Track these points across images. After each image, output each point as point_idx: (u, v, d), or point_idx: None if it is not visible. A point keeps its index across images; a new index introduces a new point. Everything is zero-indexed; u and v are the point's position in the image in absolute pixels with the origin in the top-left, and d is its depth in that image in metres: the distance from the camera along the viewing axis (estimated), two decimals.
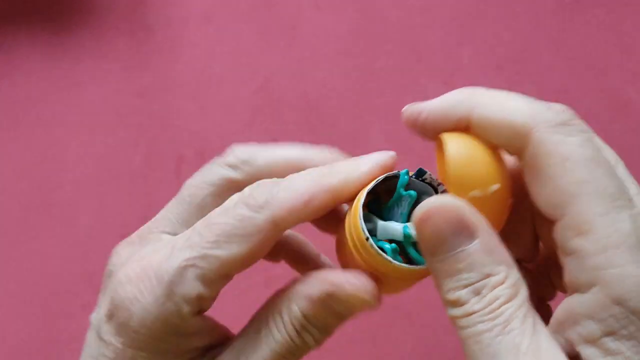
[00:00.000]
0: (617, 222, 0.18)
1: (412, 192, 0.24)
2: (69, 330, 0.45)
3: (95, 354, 0.23)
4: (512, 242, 0.21)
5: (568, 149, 0.19)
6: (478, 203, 0.20)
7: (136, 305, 0.22)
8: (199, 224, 0.22)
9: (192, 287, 0.21)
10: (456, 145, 0.22)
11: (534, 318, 0.19)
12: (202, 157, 0.48)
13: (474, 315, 0.19)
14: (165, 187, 0.46)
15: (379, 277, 0.23)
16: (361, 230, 0.22)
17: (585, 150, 0.19)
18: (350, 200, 0.24)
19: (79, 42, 0.52)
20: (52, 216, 0.48)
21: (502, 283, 0.19)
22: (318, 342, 0.24)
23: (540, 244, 0.24)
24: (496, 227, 0.21)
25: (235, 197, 0.23)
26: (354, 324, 0.45)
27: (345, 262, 0.25)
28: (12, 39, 0.52)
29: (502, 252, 0.19)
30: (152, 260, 0.22)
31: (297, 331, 0.23)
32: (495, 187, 0.20)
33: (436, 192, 0.24)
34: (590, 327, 0.18)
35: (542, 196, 0.19)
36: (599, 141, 0.20)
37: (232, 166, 0.25)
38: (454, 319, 0.20)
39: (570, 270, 0.19)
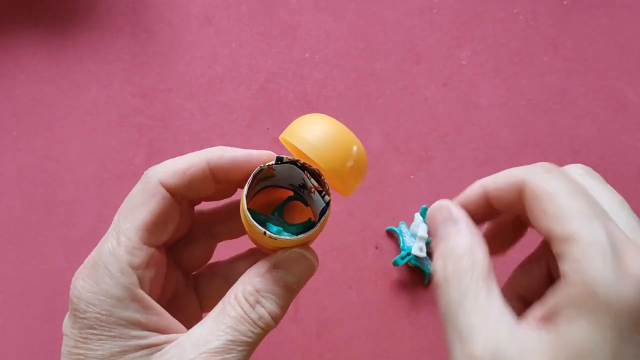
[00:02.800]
0: (595, 233, 0.22)
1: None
2: None
3: (64, 353, 0.26)
4: (528, 277, 0.27)
5: (551, 186, 0.24)
6: (355, 167, 0.27)
7: (82, 292, 0.25)
8: (116, 214, 0.27)
9: (119, 259, 0.26)
10: (300, 141, 0.27)
11: (488, 286, 0.23)
12: None
13: (441, 285, 0.25)
14: None
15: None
16: (248, 218, 0.27)
17: (564, 185, 0.24)
18: (232, 180, 0.28)
19: (81, 43, 0.52)
20: (54, 216, 0.48)
21: (462, 255, 0.25)
22: (272, 316, 0.26)
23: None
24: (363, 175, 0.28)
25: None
26: (353, 323, 0.45)
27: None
28: (14, 40, 0.52)
29: (474, 234, 0.25)
30: (90, 257, 0.27)
31: (250, 305, 0.26)
32: (355, 148, 0.27)
33: (308, 172, 0.28)
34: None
35: (540, 224, 0.24)
36: (580, 179, 0.27)
37: None
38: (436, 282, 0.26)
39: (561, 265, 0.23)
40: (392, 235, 0.46)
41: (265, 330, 0.26)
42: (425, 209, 0.42)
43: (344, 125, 0.28)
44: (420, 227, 0.44)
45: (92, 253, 0.27)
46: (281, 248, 0.27)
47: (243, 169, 0.28)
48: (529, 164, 0.46)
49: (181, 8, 0.52)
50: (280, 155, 0.27)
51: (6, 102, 0.51)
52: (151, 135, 0.49)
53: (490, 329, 0.22)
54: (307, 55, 0.51)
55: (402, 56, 0.50)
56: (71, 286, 0.26)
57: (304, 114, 0.49)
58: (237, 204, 0.31)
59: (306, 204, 0.30)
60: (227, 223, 0.32)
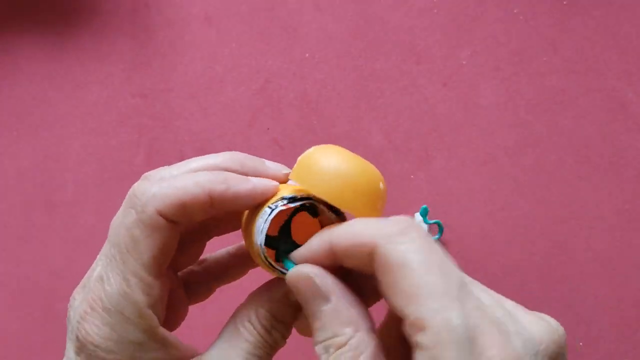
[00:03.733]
0: (447, 318, 0.20)
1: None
2: None
3: None
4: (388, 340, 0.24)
5: (403, 257, 0.21)
6: (383, 203, 0.25)
7: (97, 338, 0.24)
8: (110, 244, 0.25)
9: (134, 302, 0.24)
10: (326, 193, 0.24)
11: None
12: None
13: None
14: None
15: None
16: (268, 265, 0.25)
17: (418, 256, 0.21)
18: (235, 211, 0.27)
19: (81, 44, 0.52)
20: (54, 216, 0.48)
21: (344, 344, 0.22)
22: (284, 338, 0.26)
23: None
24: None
25: (127, 197, 0.25)
26: None
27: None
28: (15, 41, 0.52)
29: (352, 315, 0.23)
30: (94, 296, 0.25)
31: (266, 330, 0.25)
32: (382, 185, 0.24)
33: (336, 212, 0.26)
34: None
35: (391, 301, 0.21)
36: (434, 244, 0.22)
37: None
38: None
39: None
40: None
41: (276, 350, 0.26)
42: (426, 209, 0.42)
43: (362, 160, 0.25)
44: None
45: (97, 291, 0.25)
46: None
47: (245, 204, 0.26)
48: (529, 164, 0.47)
49: (181, 8, 0.52)
50: (293, 195, 0.25)
51: (6, 102, 0.51)
52: (151, 136, 0.49)
53: None
54: (307, 55, 0.51)
55: (402, 56, 0.50)
56: (80, 327, 0.25)
57: (304, 114, 0.50)
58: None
59: (314, 214, 0.28)
60: (221, 222, 0.32)
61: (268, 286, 0.27)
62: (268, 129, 0.49)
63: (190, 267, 0.32)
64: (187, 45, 0.51)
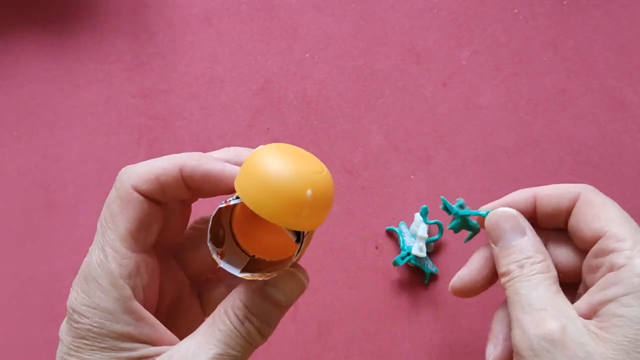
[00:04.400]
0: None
1: None
2: None
3: (59, 357, 0.26)
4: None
5: (605, 199, 0.30)
6: (313, 210, 0.25)
7: (76, 304, 0.26)
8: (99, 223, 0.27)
9: (108, 272, 0.26)
10: (246, 197, 0.25)
11: (557, 287, 0.29)
12: None
13: (516, 279, 0.29)
14: None
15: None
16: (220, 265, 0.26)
17: (613, 203, 0.30)
18: (206, 191, 0.27)
19: (81, 44, 0.52)
20: (55, 216, 0.48)
21: (539, 262, 0.29)
22: (261, 334, 0.27)
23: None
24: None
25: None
26: (353, 323, 0.45)
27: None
28: (14, 41, 0.52)
29: (541, 247, 0.30)
30: (82, 267, 0.27)
31: (239, 320, 0.26)
32: (309, 192, 0.24)
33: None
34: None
35: (593, 225, 0.29)
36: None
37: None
38: (504, 284, 0.30)
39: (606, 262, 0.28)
40: (392, 235, 0.46)
41: (253, 346, 0.27)
42: (426, 209, 0.42)
43: (300, 160, 0.25)
44: (420, 227, 0.44)
45: (83, 263, 0.27)
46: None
47: (216, 183, 0.27)
48: (529, 164, 0.47)
49: (181, 8, 0.52)
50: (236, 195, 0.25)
51: (6, 102, 0.51)
52: (151, 136, 0.49)
53: (561, 310, 0.27)
54: (307, 55, 0.51)
55: (402, 56, 0.50)
56: (69, 295, 0.27)
57: (304, 114, 0.50)
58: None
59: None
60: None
61: (246, 281, 0.28)
62: (268, 129, 0.49)
63: (205, 276, 0.33)
64: (187, 45, 0.51)
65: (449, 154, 0.48)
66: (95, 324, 0.25)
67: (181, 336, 0.28)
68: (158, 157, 0.28)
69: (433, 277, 0.45)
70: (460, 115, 0.49)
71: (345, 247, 0.46)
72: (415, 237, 0.45)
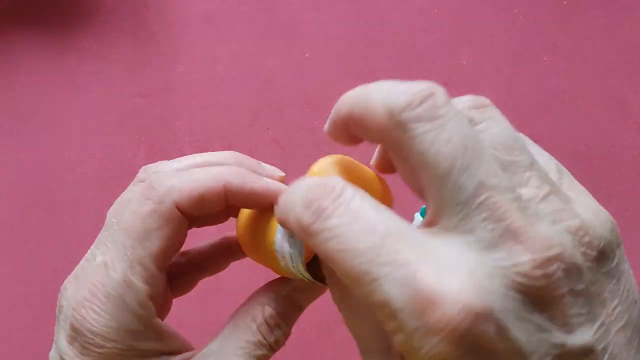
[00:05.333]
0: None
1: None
2: None
3: None
4: None
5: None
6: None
7: (96, 325, 0.24)
8: (118, 231, 0.25)
9: (137, 291, 0.24)
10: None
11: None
12: None
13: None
14: None
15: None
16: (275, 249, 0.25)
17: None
18: (241, 206, 0.26)
19: (81, 44, 0.52)
20: (54, 216, 0.48)
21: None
22: (286, 336, 0.26)
23: None
24: None
25: (137, 188, 0.26)
26: None
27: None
28: (14, 41, 0.52)
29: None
30: (95, 282, 0.24)
31: (270, 329, 0.25)
32: None
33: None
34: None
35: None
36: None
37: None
38: None
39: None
40: None
41: (273, 353, 0.26)
42: (425, 209, 0.42)
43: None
44: None
45: (95, 278, 0.25)
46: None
47: (256, 202, 0.26)
48: None
49: (182, 8, 0.52)
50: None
51: (6, 102, 0.51)
52: (151, 136, 0.49)
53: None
54: (307, 55, 0.51)
55: (402, 56, 0.50)
56: (75, 314, 0.24)
57: (304, 114, 0.50)
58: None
59: None
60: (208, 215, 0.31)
61: (272, 286, 0.27)
62: (268, 129, 0.49)
63: (173, 259, 0.32)
64: (187, 45, 0.51)
65: None
66: (125, 347, 0.24)
67: None
68: (158, 156, 0.27)
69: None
70: None
71: None
72: None
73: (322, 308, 0.45)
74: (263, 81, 0.50)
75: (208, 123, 0.50)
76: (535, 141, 0.45)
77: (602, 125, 0.48)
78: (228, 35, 0.51)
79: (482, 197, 0.18)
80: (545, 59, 0.49)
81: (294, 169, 0.48)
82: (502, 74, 0.49)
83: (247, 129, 0.49)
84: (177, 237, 0.25)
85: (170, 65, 0.51)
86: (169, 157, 0.28)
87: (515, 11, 0.51)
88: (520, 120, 0.48)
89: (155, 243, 0.24)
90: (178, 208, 0.24)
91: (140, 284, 0.24)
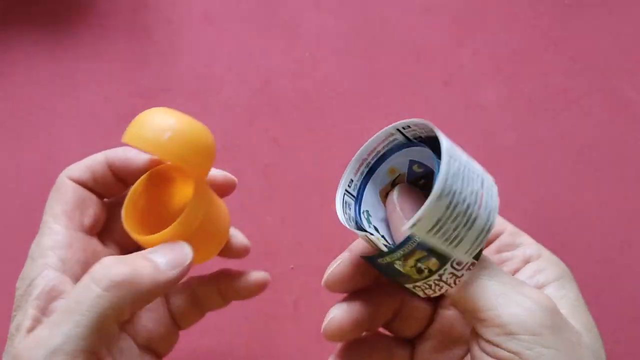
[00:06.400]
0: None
1: None
2: None
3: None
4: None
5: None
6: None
7: (22, 276, 0.30)
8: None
9: (38, 243, 0.29)
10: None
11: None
12: None
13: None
14: None
15: None
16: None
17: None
18: (129, 178, 0.31)
19: (80, 43, 0.52)
20: None
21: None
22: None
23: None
24: None
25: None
26: None
27: None
28: (13, 40, 0.52)
29: None
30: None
31: None
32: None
33: None
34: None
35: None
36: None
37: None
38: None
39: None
40: None
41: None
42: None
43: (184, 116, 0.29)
44: None
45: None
46: None
47: (136, 167, 0.30)
48: (530, 164, 0.46)
49: (181, 7, 0.52)
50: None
51: (6, 102, 0.51)
52: None
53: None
54: (307, 54, 0.51)
55: (402, 56, 0.50)
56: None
57: (304, 113, 0.50)
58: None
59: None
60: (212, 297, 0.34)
61: None
62: (268, 128, 0.49)
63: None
64: (186, 45, 0.51)
65: None
66: (25, 283, 0.30)
67: (159, 353, 0.31)
68: None
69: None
70: (461, 114, 0.48)
71: (345, 247, 0.46)
72: None
73: (322, 308, 0.45)
74: (262, 81, 0.50)
75: (207, 123, 0.49)
76: (536, 141, 0.45)
77: (603, 125, 0.47)
78: (227, 35, 0.51)
79: None
80: (546, 58, 0.49)
81: (294, 169, 0.48)
82: (503, 73, 0.49)
83: (246, 128, 0.49)
84: (76, 200, 0.30)
85: (169, 64, 0.51)
86: None
87: (517, 10, 0.51)
88: (522, 120, 0.48)
89: (55, 208, 0.30)
90: (70, 179, 0.30)
91: (42, 237, 0.29)
